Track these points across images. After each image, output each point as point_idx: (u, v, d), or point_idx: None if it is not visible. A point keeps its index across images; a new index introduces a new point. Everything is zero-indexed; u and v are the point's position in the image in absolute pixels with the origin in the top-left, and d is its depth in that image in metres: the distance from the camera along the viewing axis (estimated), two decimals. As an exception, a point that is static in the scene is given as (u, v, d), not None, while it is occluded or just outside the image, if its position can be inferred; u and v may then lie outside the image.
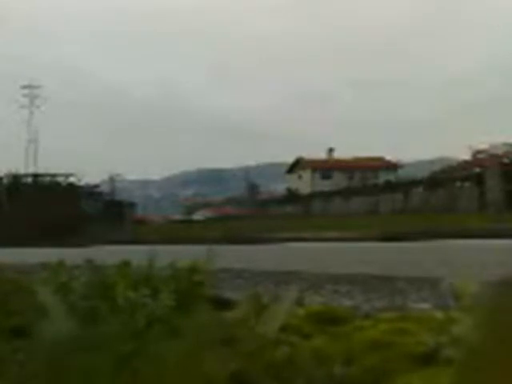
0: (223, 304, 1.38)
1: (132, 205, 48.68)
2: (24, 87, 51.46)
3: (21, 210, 25.42)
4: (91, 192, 37.01)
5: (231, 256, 5.86)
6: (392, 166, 64.34)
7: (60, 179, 35.43)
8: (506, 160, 34.62)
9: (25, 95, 51.24)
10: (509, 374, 0.63)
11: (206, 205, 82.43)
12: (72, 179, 35.94)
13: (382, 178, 53.76)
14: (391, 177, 53.50)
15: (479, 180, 31.03)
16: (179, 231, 17.45)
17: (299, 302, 1.48)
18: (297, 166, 68.95)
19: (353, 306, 1.67)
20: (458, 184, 33.63)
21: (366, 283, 2.38)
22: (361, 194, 39.13)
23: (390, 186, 38.13)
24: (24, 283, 1.32)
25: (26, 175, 35.29)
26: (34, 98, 50.24)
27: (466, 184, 33.01)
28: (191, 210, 75.87)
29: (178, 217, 62.25)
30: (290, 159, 74.33)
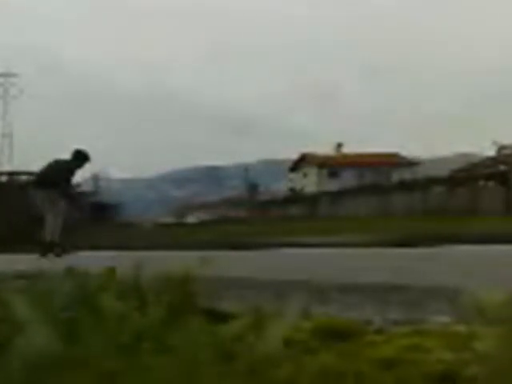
0: (219, 317, 1.38)
1: (118, 206, 48.58)
2: None
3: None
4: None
5: (229, 263, 5.87)
6: (408, 163, 64.39)
7: None
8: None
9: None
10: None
11: (201, 206, 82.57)
12: None
13: (397, 176, 53.81)
14: (407, 175, 53.53)
15: (505, 179, 31.03)
16: (171, 235, 17.50)
17: (304, 315, 1.48)
18: (301, 163, 69.01)
19: (363, 319, 1.67)
20: (482, 183, 33.63)
21: (379, 293, 2.38)
22: (372, 194, 39.14)
23: (405, 186, 38.12)
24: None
25: (0, 173, 35.33)
26: (9, 86, 50.03)
27: (490, 183, 33.01)
28: (184, 211, 75.95)
29: (169, 219, 62.30)
30: (294, 156, 74.50)
